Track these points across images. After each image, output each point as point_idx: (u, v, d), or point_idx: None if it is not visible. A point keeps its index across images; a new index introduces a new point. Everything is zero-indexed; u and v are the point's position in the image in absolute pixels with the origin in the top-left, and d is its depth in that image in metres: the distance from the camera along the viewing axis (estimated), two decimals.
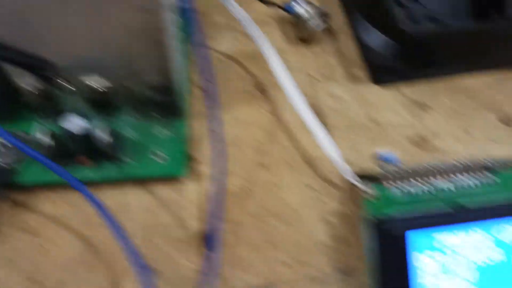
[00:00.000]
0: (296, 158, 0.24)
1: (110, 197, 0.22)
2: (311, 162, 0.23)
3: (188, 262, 0.21)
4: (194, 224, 0.21)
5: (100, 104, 0.22)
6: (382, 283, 0.19)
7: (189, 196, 0.22)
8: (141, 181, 0.22)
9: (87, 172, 0.22)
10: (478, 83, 0.27)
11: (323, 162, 0.23)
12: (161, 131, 0.23)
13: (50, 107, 0.22)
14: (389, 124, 0.25)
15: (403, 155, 0.24)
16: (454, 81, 0.27)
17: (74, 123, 0.20)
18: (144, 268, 0.17)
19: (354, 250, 0.21)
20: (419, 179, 0.20)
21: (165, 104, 0.22)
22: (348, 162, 0.23)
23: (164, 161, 0.22)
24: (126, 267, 0.20)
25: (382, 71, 0.26)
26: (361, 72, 0.27)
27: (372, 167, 0.23)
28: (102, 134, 0.20)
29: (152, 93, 0.22)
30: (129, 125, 0.23)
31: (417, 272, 0.19)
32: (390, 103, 0.26)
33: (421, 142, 0.24)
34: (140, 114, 0.23)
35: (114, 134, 0.21)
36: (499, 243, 0.19)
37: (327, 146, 0.22)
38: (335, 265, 0.21)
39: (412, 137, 0.24)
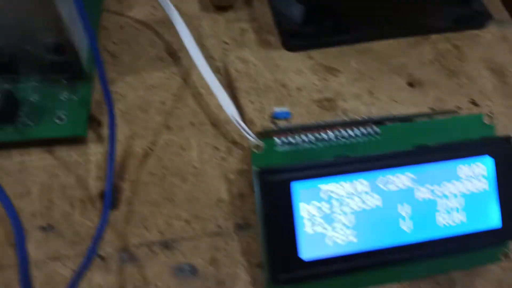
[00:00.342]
0: (203, 120, 0.24)
1: (12, 158, 0.22)
2: (217, 124, 0.24)
3: (86, 219, 0.21)
4: (95, 184, 0.22)
5: (1, 68, 0.22)
6: (269, 233, 0.19)
7: (92, 158, 0.22)
8: (45, 143, 0.22)
9: None
10: (389, 48, 0.28)
11: (229, 123, 0.24)
12: (64, 94, 0.23)
13: None
14: (296, 87, 0.25)
15: (308, 116, 0.25)
16: (365, 46, 0.28)
17: None
18: (19, 229, 0.17)
19: (251, 205, 0.22)
20: (309, 133, 0.20)
21: (66, 66, 0.22)
22: (252, 122, 0.24)
23: (65, 123, 0.22)
24: (27, 228, 0.21)
25: (293, 37, 0.27)
26: (273, 38, 0.27)
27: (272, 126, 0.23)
28: None
29: (52, 55, 0.22)
30: (32, 89, 0.23)
31: (303, 222, 0.19)
32: (299, 67, 0.26)
33: (325, 103, 0.25)
34: (43, 77, 0.23)
35: (11, 96, 0.21)
36: (378, 191, 0.20)
37: (228, 106, 0.22)
38: (233, 219, 0.22)
39: (317, 99, 0.25)
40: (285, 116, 0.21)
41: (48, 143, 0.22)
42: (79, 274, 0.18)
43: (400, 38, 0.28)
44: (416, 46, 0.28)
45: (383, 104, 0.25)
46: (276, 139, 0.20)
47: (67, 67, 0.22)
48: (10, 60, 0.21)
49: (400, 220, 0.20)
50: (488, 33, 0.29)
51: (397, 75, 0.27)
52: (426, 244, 0.20)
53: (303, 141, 0.20)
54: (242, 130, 0.20)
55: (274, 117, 0.21)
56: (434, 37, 0.28)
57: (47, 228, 0.21)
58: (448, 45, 0.28)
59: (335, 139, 0.20)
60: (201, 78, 0.23)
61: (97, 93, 0.24)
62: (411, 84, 0.26)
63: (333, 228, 0.19)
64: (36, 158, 0.22)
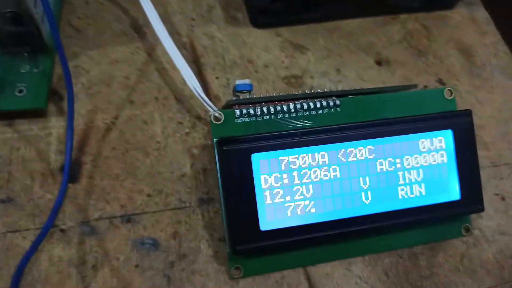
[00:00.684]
0: (167, 95, 0.24)
1: None
2: (182, 99, 0.24)
3: (46, 192, 0.21)
4: (56, 158, 0.21)
5: None
6: (228, 203, 0.19)
7: (53, 131, 0.22)
8: (5, 116, 0.22)
9: None
10: (358, 26, 0.28)
11: (193, 99, 0.24)
12: (25, 66, 0.22)
13: None
14: (263, 64, 0.25)
15: (274, 92, 0.24)
16: (334, 25, 0.28)
17: None
18: None
19: (214, 180, 0.22)
20: (270, 106, 0.20)
21: (26, 38, 0.22)
22: (218, 97, 0.24)
23: (25, 95, 0.22)
24: None
25: (261, 14, 0.26)
26: (241, 15, 0.27)
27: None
28: None
29: (10, 26, 0.21)
30: None
31: (263, 193, 0.19)
32: (267, 44, 0.26)
33: (292, 80, 0.25)
34: (4, 50, 0.22)
35: None
36: (338, 162, 0.20)
37: (190, 78, 0.22)
38: (195, 194, 0.22)
39: (284, 76, 0.25)
40: (247, 89, 0.21)
41: (8, 116, 0.22)
42: (35, 244, 0.18)
43: (370, 17, 0.28)
44: (385, 26, 0.28)
45: (350, 82, 0.25)
46: (235, 110, 0.20)
47: (28, 39, 0.22)
48: None
49: (360, 192, 0.20)
50: (457, 14, 0.29)
51: (365, 53, 0.27)
52: (385, 215, 0.20)
53: (263, 112, 0.20)
54: (201, 100, 0.20)
55: (236, 89, 0.21)
56: (403, 16, 0.28)
57: (6, 201, 0.20)
58: (417, 25, 0.28)
59: (295, 111, 0.20)
60: (166, 53, 0.23)
61: (60, 67, 0.23)
62: (379, 63, 0.27)
63: (293, 199, 0.19)
64: None
